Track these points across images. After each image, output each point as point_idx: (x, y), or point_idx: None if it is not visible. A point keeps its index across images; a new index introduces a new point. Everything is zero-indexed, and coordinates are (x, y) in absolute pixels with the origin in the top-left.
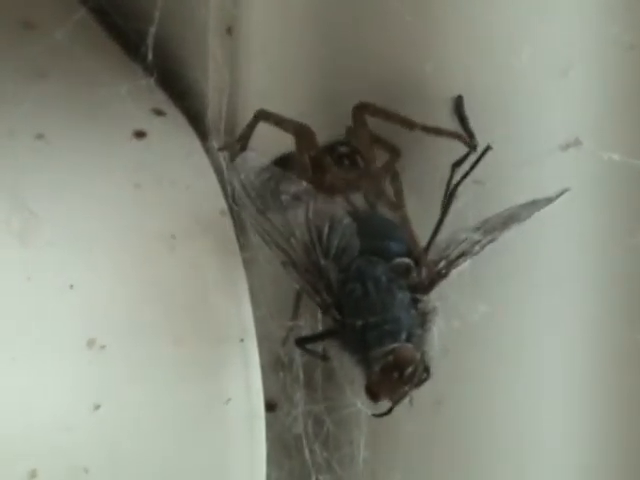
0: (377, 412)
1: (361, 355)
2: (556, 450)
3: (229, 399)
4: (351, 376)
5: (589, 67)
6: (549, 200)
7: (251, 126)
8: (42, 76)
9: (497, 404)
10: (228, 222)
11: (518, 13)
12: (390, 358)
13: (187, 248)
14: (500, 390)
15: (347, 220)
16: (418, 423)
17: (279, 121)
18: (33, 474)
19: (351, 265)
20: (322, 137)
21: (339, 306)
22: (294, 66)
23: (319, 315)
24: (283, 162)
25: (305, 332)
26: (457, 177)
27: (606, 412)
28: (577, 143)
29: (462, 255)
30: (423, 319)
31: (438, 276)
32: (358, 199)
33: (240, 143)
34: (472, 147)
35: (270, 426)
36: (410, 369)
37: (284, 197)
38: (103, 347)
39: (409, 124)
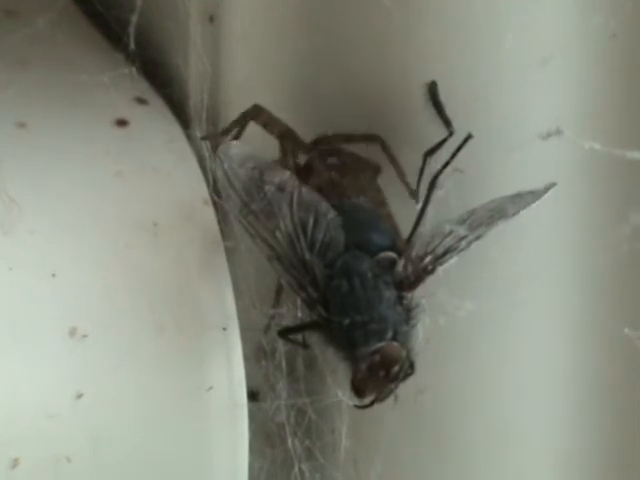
0: (359, 403)
1: (347, 352)
2: (539, 442)
3: (211, 387)
4: (333, 365)
5: (571, 56)
6: (536, 196)
7: (239, 122)
8: (24, 64)
9: (479, 394)
10: (210, 210)
11: (500, 2)
12: (377, 357)
13: (169, 236)
14: (483, 381)
15: (332, 214)
16: (400, 412)
17: (268, 122)
18: (16, 462)
19: (337, 260)
20: (304, 127)
21: (325, 302)
22: (276, 55)
23: (299, 302)
24: None
25: (287, 320)
26: (437, 166)
27: (590, 405)
28: (558, 132)
29: (448, 251)
30: (408, 315)
31: (424, 272)
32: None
33: (222, 136)
34: (449, 134)
35: (252, 415)
36: (396, 367)
37: (268, 188)
38: (85, 336)
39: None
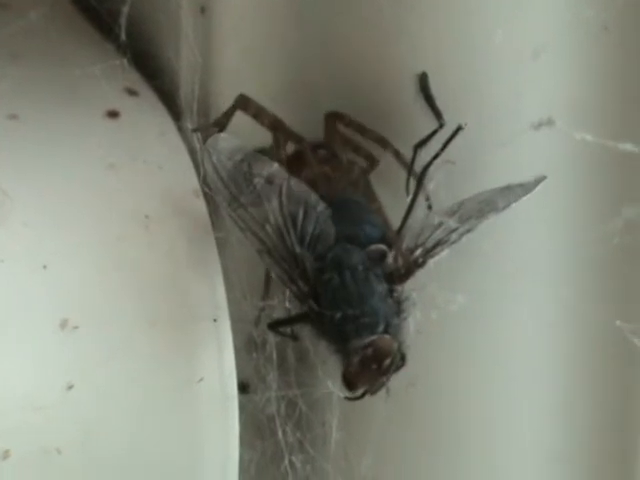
0: (350, 396)
1: (339, 345)
2: (529, 434)
3: (201, 379)
4: (324, 357)
5: (563, 49)
6: (527, 189)
7: (229, 113)
8: (15, 56)
9: (470, 387)
10: (201, 202)
11: None
12: (369, 350)
13: (160, 228)
14: (473, 374)
15: (321, 206)
16: (390, 405)
17: (257, 112)
18: (6, 454)
19: (327, 253)
20: (295, 119)
21: (315, 295)
22: (267, 47)
23: (288, 293)
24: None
25: (278, 312)
26: (428, 158)
27: (583, 397)
28: (550, 122)
29: (439, 244)
30: (399, 308)
31: (414, 265)
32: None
33: (213, 127)
34: (440, 126)
35: (243, 407)
36: (388, 360)
37: (257, 180)
38: (76, 327)
39: (382, 142)
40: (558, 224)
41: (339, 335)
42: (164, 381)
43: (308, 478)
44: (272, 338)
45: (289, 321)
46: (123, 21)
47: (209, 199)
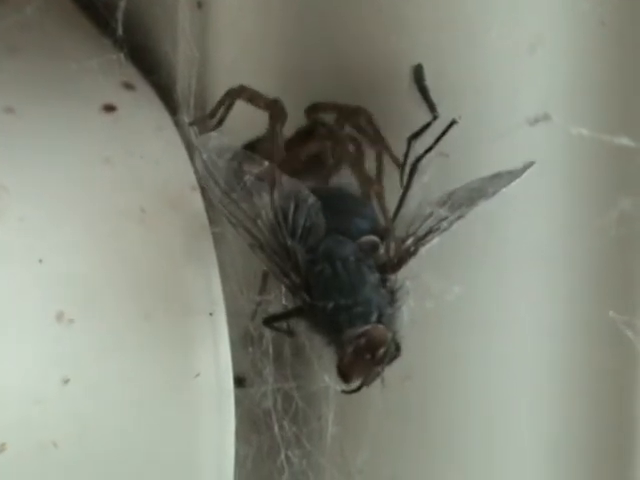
0: (346, 389)
1: (332, 337)
2: (525, 426)
3: (198, 374)
4: (320, 351)
5: (559, 43)
6: (515, 175)
7: (221, 103)
8: (12, 50)
9: (466, 380)
10: (198, 196)
11: None
12: (362, 340)
13: (157, 222)
14: (470, 367)
15: (312, 199)
16: (387, 399)
17: (252, 97)
18: (2, 448)
19: (319, 245)
20: (293, 111)
21: (308, 287)
22: (264, 40)
23: (284, 289)
24: (253, 147)
25: (274, 306)
26: (420, 150)
27: (577, 388)
28: (546, 118)
29: (430, 232)
30: (393, 298)
31: (406, 254)
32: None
33: (209, 119)
34: (434, 118)
35: (239, 401)
36: (382, 350)
37: (248, 178)
38: (72, 321)
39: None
40: (554, 216)
41: (332, 326)
42: (160, 375)
43: (304, 473)
44: (268, 332)
45: (284, 316)
46: (120, 15)
47: (206, 194)
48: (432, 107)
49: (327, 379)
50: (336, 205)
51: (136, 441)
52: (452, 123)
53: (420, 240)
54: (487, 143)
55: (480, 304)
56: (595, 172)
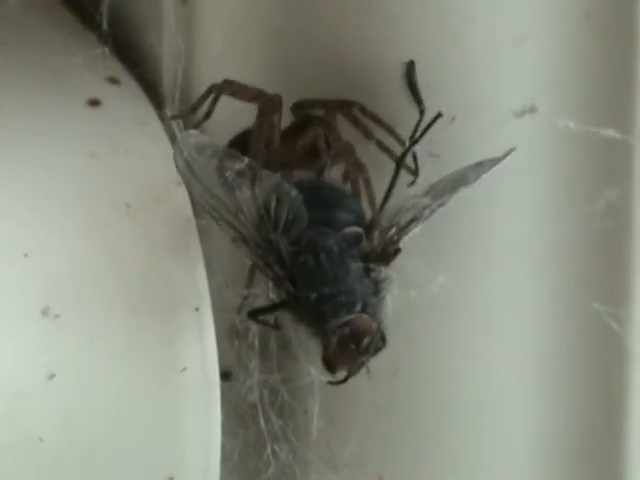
0: (333, 380)
1: (317, 327)
2: (512, 419)
3: (184, 368)
4: (306, 345)
5: (545, 36)
6: (496, 161)
7: (204, 98)
8: None
9: (453, 375)
10: (183, 191)
11: None
12: (346, 330)
13: (142, 217)
14: (456, 361)
15: (293, 192)
16: (373, 393)
17: (236, 91)
18: None
19: (302, 237)
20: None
21: (292, 279)
22: (249, 34)
23: (271, 284)
24: (243, 138)
25: (260, 300)
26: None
27: (562, 379)
28: (533, 109)
29: (413, 221)
30: (377, 288)
31: (390, 243)
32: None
33: (192, 113)
34: (421, 113)
35: (225, 395)
36: (367, 339)
37: (228, 174)
38: (57, 315)
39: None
40: (540, 207)
41: (317, 316)
42: (146, 369)
43: (291, 467)
44: (254, 326)
45: (269, 309)
46: (105, 9)
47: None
48: (420, 102)
49: (313, 372)
50: (319, 197)
51: (122, 435)
52: (437, 116)
53: (403, 229)
54: (474, 137)
55: (465, 295)
56: (581, 164)
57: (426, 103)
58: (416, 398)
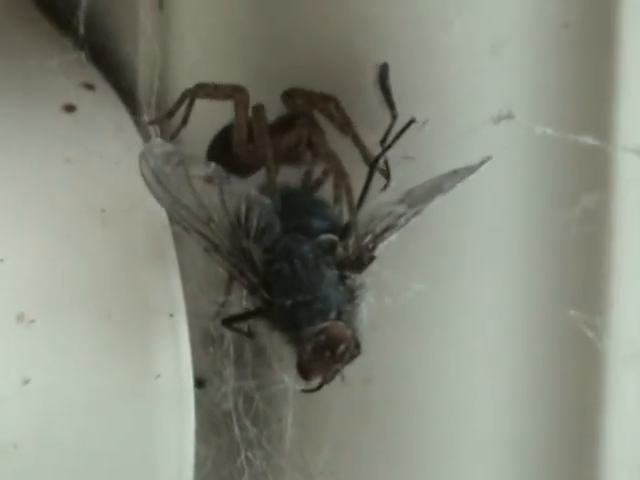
0: (307, 388)
1: (292, 335)
2: (487, 426)
3: (158, 375)
4: (280, 352)
5: (523, 44)
6: (471, 169)
7: (179, 104)
8: None
9: (427, 381)
10: None
11: None
12: (322, 337)
13: (117, 223)
14: (430, 367)
15: (263, 199)
16: (347, 400)
17: (210, 91)
18: None
19: (276, 244)
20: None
21: (267, 286)
22: (226, 40)
23: (245, 292)
24: (225, 135)
25: (235, 308)
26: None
27: (538, 386)
28: (510, 116)
29: (388, 229)
30: (352, 295)
31: (365, 250)
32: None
33: (167, 119)
34: (393, 118)
35: (199, 402)
36: (342, 347)
37: (196, 182)
38: (32, 321)
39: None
40: (517, 213)
41: (291, 324)
42: (120, 376)
43: (264, 474)
44: (229, 333)
45: (243, 316)
46: (81, 15)
47: None
48: (392, 106)
49: (287, 380)
50: (293, 204)
51: (96, 442)
52: (410, 122)
53: (378, 237)
54: (450, 143)
55: (440, 302)
56: (558, 170)
57: (402, 108)
58: (390, 405)
